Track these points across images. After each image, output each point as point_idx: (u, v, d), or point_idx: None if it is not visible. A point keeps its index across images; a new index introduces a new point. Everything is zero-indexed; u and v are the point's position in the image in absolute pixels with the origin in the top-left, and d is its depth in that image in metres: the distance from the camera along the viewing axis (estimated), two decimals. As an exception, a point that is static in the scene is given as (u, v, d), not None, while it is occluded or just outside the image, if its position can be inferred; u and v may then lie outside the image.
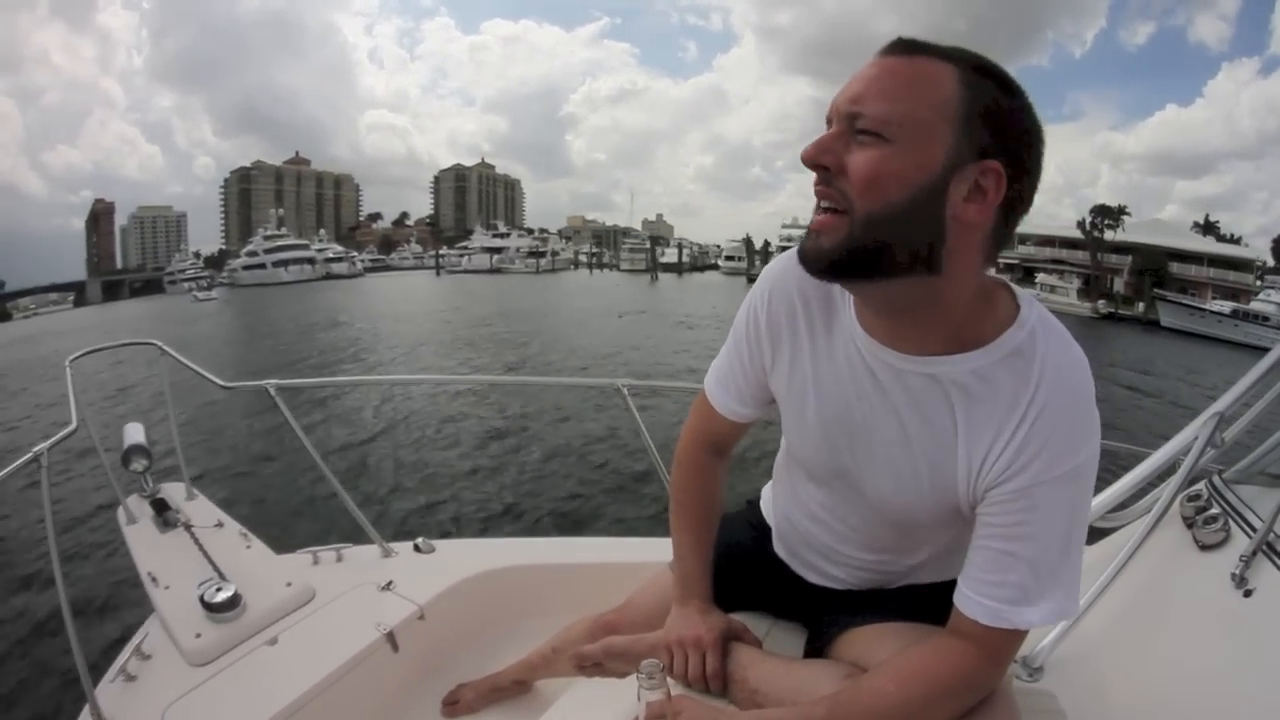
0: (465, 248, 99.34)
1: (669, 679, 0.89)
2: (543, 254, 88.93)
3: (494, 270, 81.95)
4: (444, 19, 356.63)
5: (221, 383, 2.04)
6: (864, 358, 0.84)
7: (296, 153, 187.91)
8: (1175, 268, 43.17)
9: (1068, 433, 0.74)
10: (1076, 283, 42.94)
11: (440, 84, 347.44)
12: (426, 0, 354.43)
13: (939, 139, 0.68)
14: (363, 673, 1.47)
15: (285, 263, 78.49)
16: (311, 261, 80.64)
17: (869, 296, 0.80)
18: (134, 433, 2.02)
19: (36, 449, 1.40)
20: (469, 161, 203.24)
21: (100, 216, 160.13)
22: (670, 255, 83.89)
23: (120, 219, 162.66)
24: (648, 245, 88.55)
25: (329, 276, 79.36)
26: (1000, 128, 0.69)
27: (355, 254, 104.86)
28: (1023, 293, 0.81)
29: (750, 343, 0.98)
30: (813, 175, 0.74)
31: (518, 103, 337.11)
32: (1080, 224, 48.41)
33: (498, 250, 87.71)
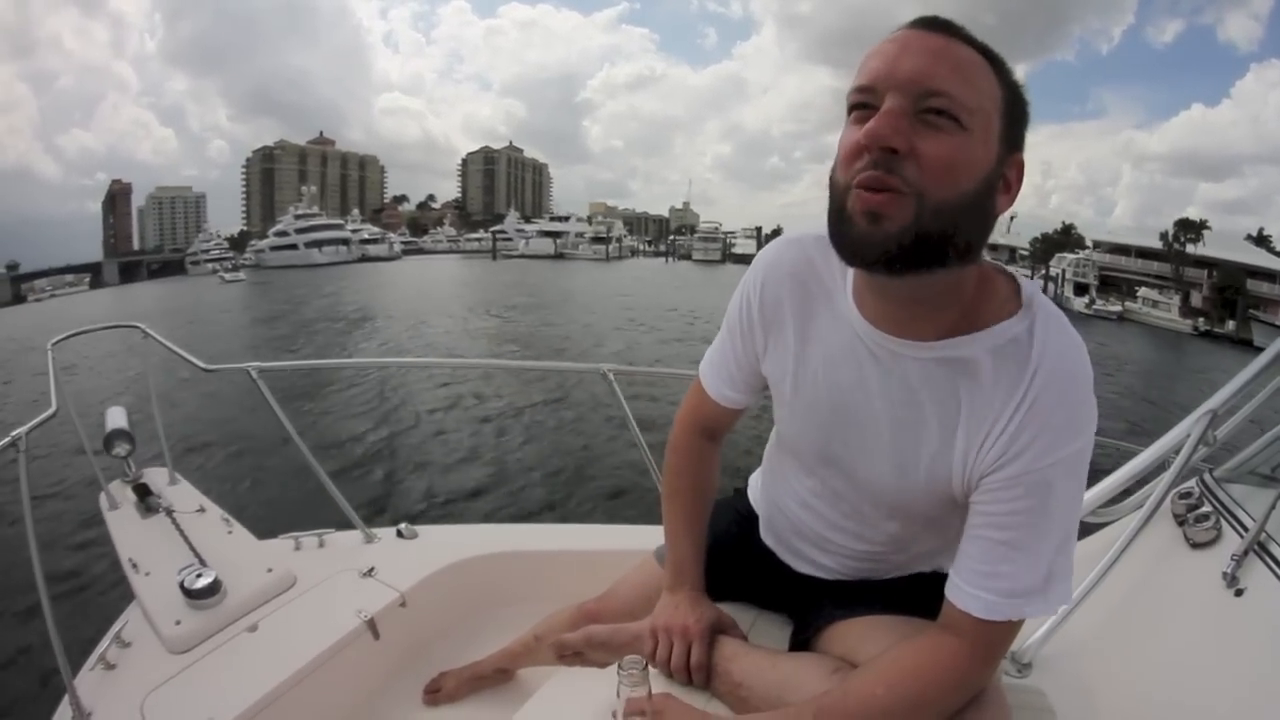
0: (500, 232, 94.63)
1: (651, 675, 0.88)
2: (608, 239, 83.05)
3: (557, 256, 76.97)
4: (460, 3, 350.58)
5: (203, 365, 2.01)
6: (864, 343, 0.82)
7: (320, 133, 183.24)
8: (1248, 283, 42.85)
9: (1064, 419, 0.73)
10: (1178, 299, 42.47)
11: (456, 68, 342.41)
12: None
13: (994, 130, 0.69)
14: (344, 660, 1.46)
15: (319, 243, 74.70)
16: (346, 242, 77.19)
17: (901, 285, 0.74)
18: (116, 417, 1.99)
19: (15, 433, 1.38)
20: (486, 146, 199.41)
21: (117, 197, 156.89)
22: (744, 245, 78.42)
23: (136, 201, 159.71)
24: (721, 235, 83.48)
25: (365, 259, 75.95)
26: (1019, 121, 0.71)
27: (392, 235, 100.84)
28: (1022, 279, 0.80)
29: (744, 329, 0.96)
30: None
31: (534, 88, 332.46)
32: (1163, 236, 48.58)
33: (557, 234, 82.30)
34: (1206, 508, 1.39)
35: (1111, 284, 46.99)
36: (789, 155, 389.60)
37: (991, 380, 0.75)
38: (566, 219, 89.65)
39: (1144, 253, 48.70)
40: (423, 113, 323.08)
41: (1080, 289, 44.54)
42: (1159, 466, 1.55)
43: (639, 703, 0.82)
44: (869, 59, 0.70)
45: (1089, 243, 54.54)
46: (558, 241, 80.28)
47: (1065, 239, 57.71)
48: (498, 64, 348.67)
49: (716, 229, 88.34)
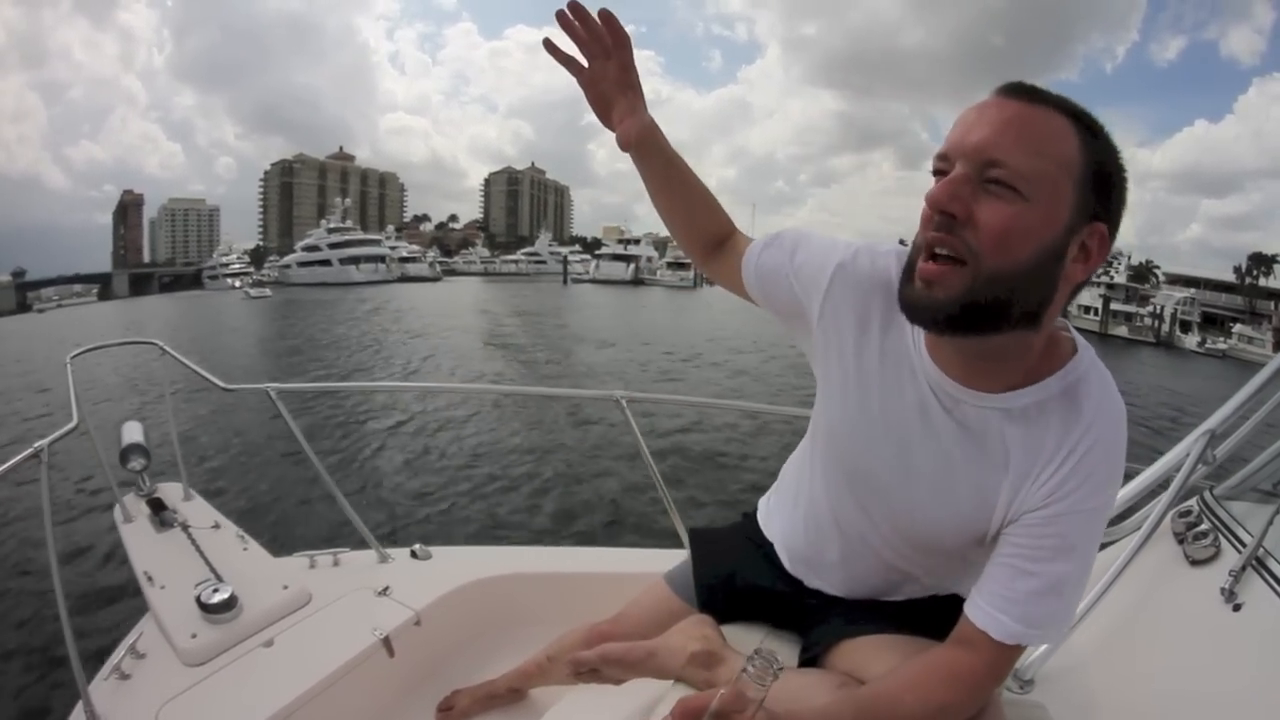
0: (533, 254, 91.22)
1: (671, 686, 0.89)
2: (687, 265, 72.94)
3: (635, 282, 69.71)
4: (466, 24, 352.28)
5: (222, 384, 2.04)
6: (926, 380, 0.85)
7: (340, 148, 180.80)
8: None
9: (1107, 470, 0.78)
10: (1271, 335, 42.32)
11: (462, 90, 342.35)
12: (449, 4, 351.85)
13: (1065, 199, 0.68)
14: (358, 677, 1.47)
15: (355, 259, 69.77)
16: (384, 259, 72.79)
17: (963, 342, 0.78)
18: (132, 431, 2.03)
19: (37, 445, 1.40)
20: (493, 169, 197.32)
21: (129, 208, 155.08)
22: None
23: (148, 213, 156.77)
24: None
25: (404, 278, 70.98)
26: (1108, 190, 0.70)
27: (431, 253, 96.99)
28: (1077, 335, 0.83)
29: (810, 273, 0.92)
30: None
31: (541, 110, 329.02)
32: (1236, 269, 49.76)
33: (628, 259, 74.68)
34: (1205, 525, 1.40)
35: (1210, 320, 46.95)
36: (794, 179, 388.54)
37: (1045, 427, 0.79)
38: (637, 241, 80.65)
39: (1212, 284, 49.05)
40: (429, 133, 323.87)
41: (1184, 327, 44.47)
42: (1159, 486, 1.57)
43: (735, 699, 0.72)
44: (953, 127, 0.73)
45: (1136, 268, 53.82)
46: (633, 266, 72.59)
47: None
48: (504, 86, 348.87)
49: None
